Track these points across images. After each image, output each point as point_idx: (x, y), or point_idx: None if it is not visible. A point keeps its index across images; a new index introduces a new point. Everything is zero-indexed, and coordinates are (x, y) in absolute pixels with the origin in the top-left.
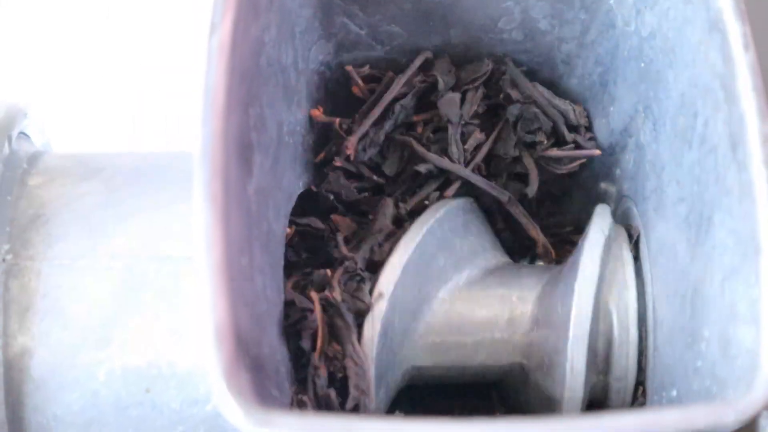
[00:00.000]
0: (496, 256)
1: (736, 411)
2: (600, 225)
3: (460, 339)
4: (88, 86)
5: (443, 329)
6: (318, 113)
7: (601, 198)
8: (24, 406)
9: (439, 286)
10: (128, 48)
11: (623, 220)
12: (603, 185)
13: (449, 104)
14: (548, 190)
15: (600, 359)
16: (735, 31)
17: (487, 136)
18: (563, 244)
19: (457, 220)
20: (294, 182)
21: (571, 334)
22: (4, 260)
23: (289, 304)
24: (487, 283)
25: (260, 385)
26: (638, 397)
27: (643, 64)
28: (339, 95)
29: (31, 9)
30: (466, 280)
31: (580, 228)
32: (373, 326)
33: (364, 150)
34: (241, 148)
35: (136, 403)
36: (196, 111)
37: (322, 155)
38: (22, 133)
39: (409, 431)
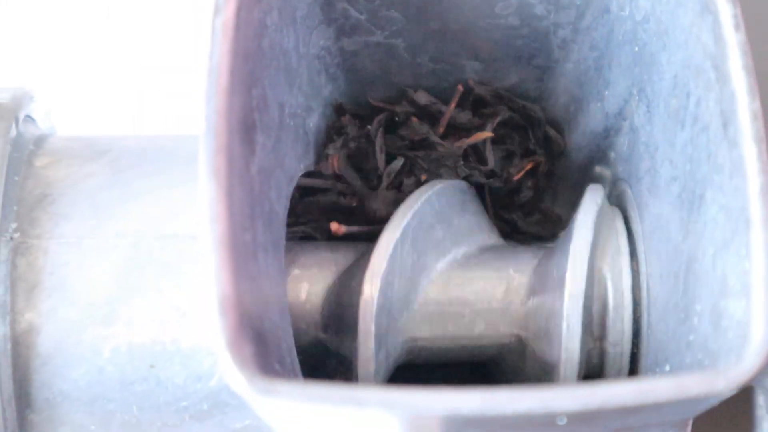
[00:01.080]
0: (492, 237)
1: (727, 380)
2: (593, 196)
3: (458, 309)
4: (87, 87)
5: (441, 299)
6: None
7: (596, 181)
8: (31, 382)
9: (437, 258)
10: (128, 48)
11: (618, 203)
12: (598, 169)
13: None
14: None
15: (596, 324)
16: (726, 12)
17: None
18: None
19: (455, 198)
20: (295, 164)
21: (566, 293)
22: (11, 239)
23: None
24: (484, 258)
25: (263, 357)
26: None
27: (637, 48)
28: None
29: (30, 8)
30: (463, 255)
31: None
32: (372, 283)
33: None
34: (244, 127)
35: (141, 379)
36: (199, 90)
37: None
38: (28, 117)
39: (410, 400)
